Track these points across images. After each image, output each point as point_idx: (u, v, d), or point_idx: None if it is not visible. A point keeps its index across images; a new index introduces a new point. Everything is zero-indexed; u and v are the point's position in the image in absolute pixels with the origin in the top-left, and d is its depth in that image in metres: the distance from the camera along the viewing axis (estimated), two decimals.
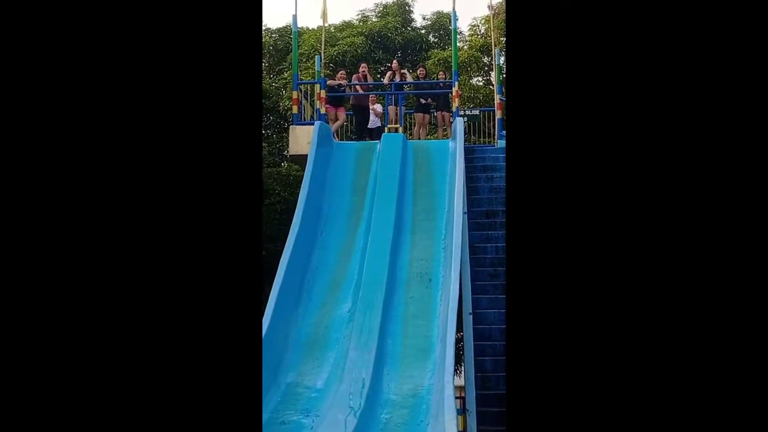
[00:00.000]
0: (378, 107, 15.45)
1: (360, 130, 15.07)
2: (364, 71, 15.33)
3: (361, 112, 15.08)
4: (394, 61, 16.38)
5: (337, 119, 14.77)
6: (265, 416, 8.45)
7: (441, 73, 16.34)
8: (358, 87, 15.15)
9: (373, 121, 15.18)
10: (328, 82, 14.74)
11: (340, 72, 15.57)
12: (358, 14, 26.53)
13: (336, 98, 14.82)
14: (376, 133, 14.82)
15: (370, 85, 15.19)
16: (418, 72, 16.26)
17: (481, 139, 16.64)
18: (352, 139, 15.39)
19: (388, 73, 15.87)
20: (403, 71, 15.87)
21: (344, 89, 15.01)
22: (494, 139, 14.64)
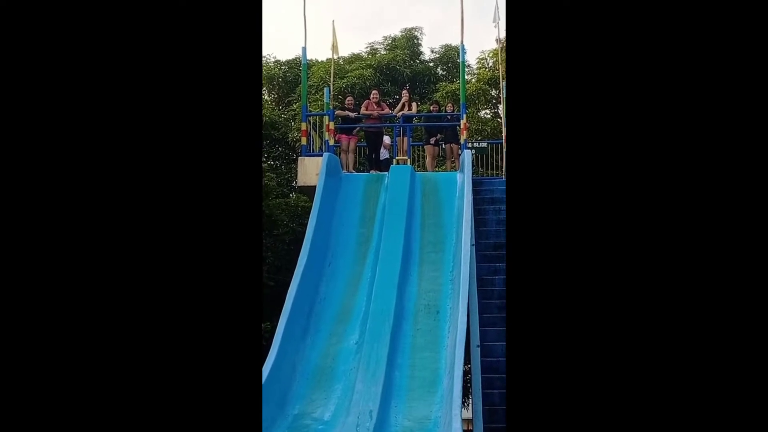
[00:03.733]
0: (387, 139, 15.51)
1: (372, 158, 15.09)
2: (375, 97, 15.36)
3: (373, 140, 15.08)
4: (405, 92, 16.42)
5: (348, 148, 14.81)
6: None
7: (449, 105, 16.41)
8: (370, 111, 15.05)
9: (382, 153, 15.23)
10: (336, 112, 14.81)
11: (348, 98, 15.64)
12: (367, 47, 26.75)
13: (347, 127, 14.88)
14: (384, 165, 14.86)
15: (381, 116, 15.22)
16: (431, 107, 16.31)
17: (489, 172, 16.68)
18: (360, 170, 15.43)
19: (399, 105, 15.94)
20: (411, 101, 15.92)
21: (355, 117, 15.04)
22: (502, 171, 14.67)
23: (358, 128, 15.08)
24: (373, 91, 15.86)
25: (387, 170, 13.80)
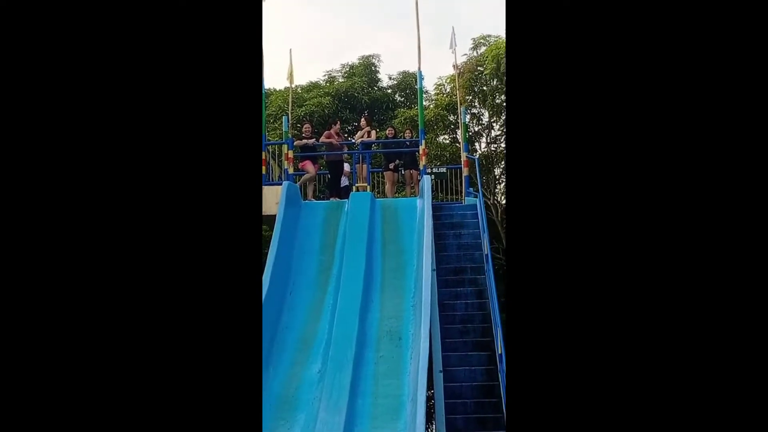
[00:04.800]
0: (346, 166, 15.53)
1: (332, 186, 15.11)
2: (336, 129, 15.44)
3: (334, 167, 15.11)
4: (363, 119, 16.50)
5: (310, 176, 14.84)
6: None
7: (407, 131, 16.50)
8: (331, 142, 15.13)
9: (342, 180, 15.24)
10: (295, 143, 14.82)
11: (306, 126, 15.66)
12: (324, 75, 26.83)
13: (310, 155, 14.90)
14: (344, 192, 14.87)
15: (341, 144, 15.27)
16: (387, 132, 16.40)
17: (449, 197, 16.76)
18: (320, 198, 15.42)
19: (359, 132, 15.99)
20: (370, 129, 16.00)
21: (314, 146, 15.07)
22: (462, 196, 14.75)
23: (320, 156, 15.09)
24: (337, 122, 15.94)
25: (347, 197, 13.81)
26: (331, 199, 14.61)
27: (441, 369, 10.42)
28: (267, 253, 11.92)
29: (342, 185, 15.21)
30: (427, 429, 10.16)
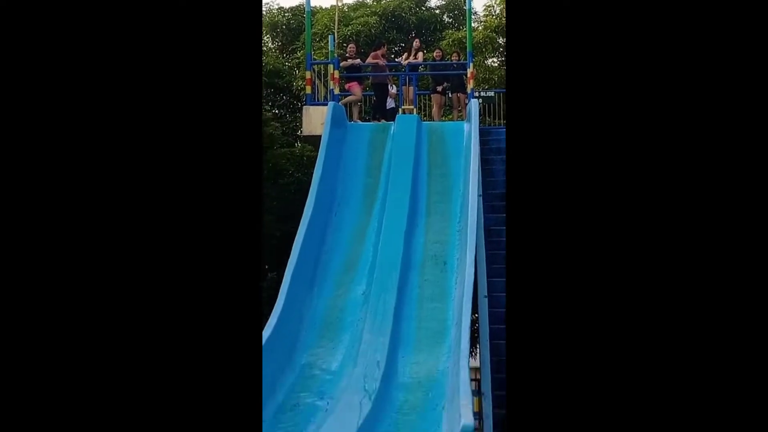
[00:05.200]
0: (392, 89, 15.34)
1: (378, 108, 14.97)
2: (383, 51, 15.24)
3: (380, 90, 14.95)
4: (417, 40, 16.22)
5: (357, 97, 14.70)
6: (279, 398, 8.44)
7: (455, 54, 16.22)
8: (377, 63, 14.93)
9: (388, 102, 15.07)
10: (342, 64, 14.65)
11: (350, 46, 15.44)
12: None
13: (356, 76, 14.73)
14: (390, 114, 14.72)
15: (387, 65, 15.08)
16: (434, 54, 16.15)
17: (496, 121, 16.54)
18: (366, 120, 15.30)
19: (406, 54, 15.77)
20: (418, 50, 15.76)
21: (359, 67, 14.88)
22: None
23: (366, 77, 14.91)
24: (384, 44, 15.74)
25: (393, 120, 13.67)
26: (377, 121, 14.48)
27: (486, 294, 10.41)
28: (313, 174, 11.90)
29: (388, 107, 15.04)
30: (471, 353, 10.18)
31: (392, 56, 21.83)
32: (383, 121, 14.32)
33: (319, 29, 22.21)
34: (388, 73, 15.27)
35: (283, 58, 23.16)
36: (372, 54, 15.08)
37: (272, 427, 7.93)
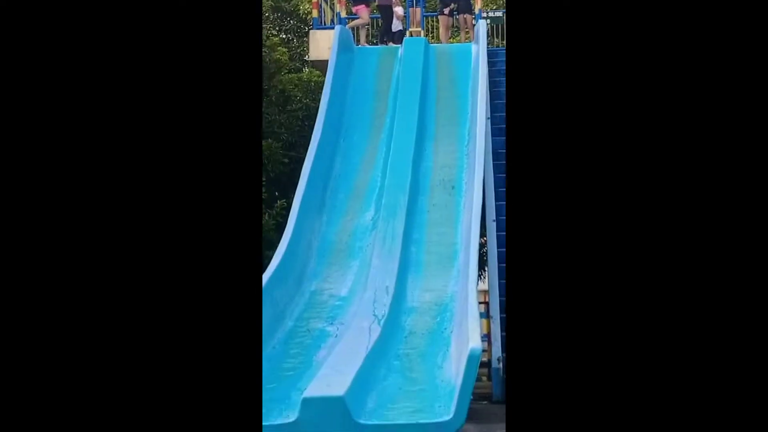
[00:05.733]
0: (399, 10, 15.11)
1: (384, 32, 14.78)
2: None
3: (386, 13, 14.74)
4: None
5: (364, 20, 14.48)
6: (290, 324, 8.54)
7: None
8: None
9: (395, 25, 14.86)
10: None
11: None
12: None
13: None
14: (397, 37, 14.54)
15: None
16: None
17: (504, 42, 16.33)
18: (373, 43, 15.13)
19: None
20: None
21: None
22: None
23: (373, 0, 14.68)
24: None
25: (400, 43, 13.51)
26: (386, 44, 14.31)
27: (494, 218, 10.42)
28: (320, 100, 11.83)
29: (395, 30, 14.84)
30: (479, 276, 10.24)
31: None
32: (390, 44, 14.16)
33: None
34: None
35: None
36: None
37: (282, 353, 8.05)
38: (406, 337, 8.29)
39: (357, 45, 13.67)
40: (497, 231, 10.32)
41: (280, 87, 16.97)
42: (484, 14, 13.88)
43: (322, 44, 13.47)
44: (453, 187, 10.51)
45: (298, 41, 20.89)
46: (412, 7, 15.16)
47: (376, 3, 14.79)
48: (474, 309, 7.52)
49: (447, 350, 7.87)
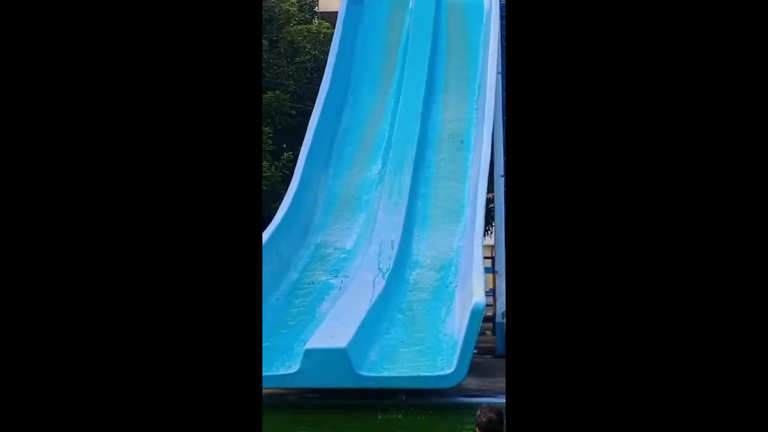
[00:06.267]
0: None
1: None
2: None
3: None
4: None
5: None
6: (294, 276, 8.52)
7: None
8: None
9: None
10: None
11: None
12: None
13: None
14: None
15: None
16: None
17: None
18: None
19: None
20: None
21: None
22: None
23: None
24: None
25: None
26: None
27: (502, 173, 10.33)
28: (329, 52, 11.72)
29: None
30: (486, 232, 10.17)
31: None
32: None
33: None
34: None
35: None
36: None
37: (287, 304, 8.04)
38: (410, 291, 8.27)
39: None
40: (505, 186, 10.24)
41: (289, 38, 16.82)
42: None
43: None
44: (461, 142, 10.42)
45: None
46: None
47: None
48: (479, 264, 7.47)
49: (451, 305, 7.85)
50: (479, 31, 12.11)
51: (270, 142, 14.79)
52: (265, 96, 15.94)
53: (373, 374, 6.56)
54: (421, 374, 6.56)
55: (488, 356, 10.13)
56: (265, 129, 14.93)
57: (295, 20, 17.48)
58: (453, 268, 8.50)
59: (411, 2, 12.77)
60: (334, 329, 6.92)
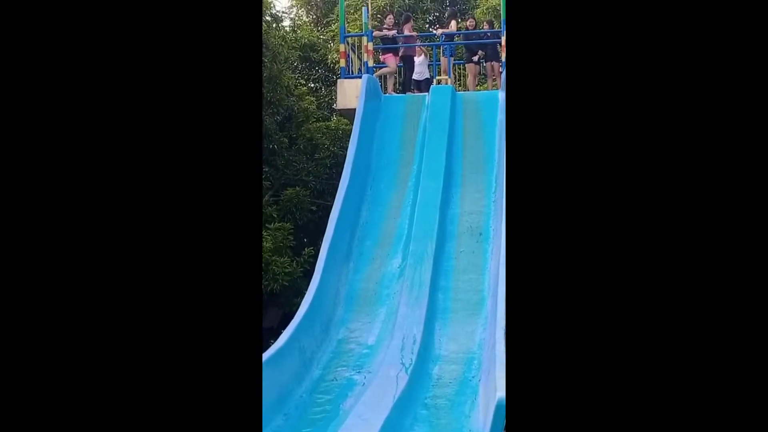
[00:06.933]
0: (419, 59, 15.13)
1: (407, 82, 14.90)
2: (411, 24, 15.20)
3: (408, 63, 14.89)
4: (453, 20, 16.09)
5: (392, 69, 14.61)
6: (317, 373, 8.50)
7: (486, 23, 16.02)
8: (405, 35, 14.87)
9: (421, 73, 14.96)
10: (374, 33, 14.57)
11: (388, 17, 15.36)
12: None
13: (391, 47, 14.65)
14: (424, 86, 14.64)
15: (422, 36, 14.99)
16: (468, 23, 16.01)
17: None
18: (400, 92, 15.24)
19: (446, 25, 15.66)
20: (453, 19, 15.65)
21: (394, 38, 14.77)
22: None
23: (400, 48, 14.81)
24: (410, 19, 15.63)
25: (427, 91, 13.60)
26: (410, 92, 14.40)
27: None
28: (348, 148, 11.89)
29: (421, 78, 14.92)
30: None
31: (427, 26, 21.65)
32: (416, 92, 14.26)
33: (353, 1, 22.10)
34: (418, 43, 15.18)
35: (318, 31, 23.09)
36: (405, 26, 15.00)
37: (310, 402, 8.01)
38: (433, 385, 8.22)
39: (384, 93, 13.76)
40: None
41: (308, 135, 17.12)
42: None
43: (350, 93, 13.58)
44: (480, 234, 10.50)
45: (326, 90, 21.11)
46: (441, 56, 15.28)
47: (401, 53, 14.94)
48: (501, 357, 7.43)
49: (475, 399, 7.80)
50: (494, 124, 12.30)
51: (291, 237, 14.92)
52: (285, 192, 16.13)
53: None
54: None
55: None
56: (286, 225, 15.09)
57: (314, 118, 17.79)
58: (476, 362, 8.46)
59: (427, 98, 13.02)
60: (358, 427, 6.89)
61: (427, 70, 15.16)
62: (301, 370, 8.31)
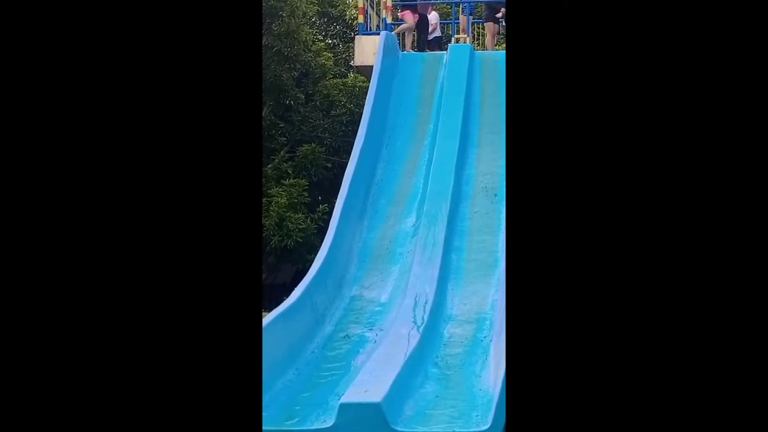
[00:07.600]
0: (433, 17, 14.96)
1: (420, 41, 14.77)
2: None
3: (422, 21, 14.74)
4: None
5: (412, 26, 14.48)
6: (329, 329, 8.54)
7: None
8: None
9: (430, 32, 14.80)
10: None
11: None
12: None
13: (410, 4, 14.51)
14: (434, 44, 14.49)
15: None
16: None
17: None
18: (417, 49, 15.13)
19: None
20: None
21: None
22: None
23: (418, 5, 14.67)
24: None
25: (437, 49, 13.48)
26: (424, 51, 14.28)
27: None
28: (364, 105, 11.85)
29: (431, 37, 14.75)
30: None
31: None
32: (428, 51, 14.14)
33: None
34: (432, 0, 15.01)
35: None
36: None
37: (321, 358, 8.05)
38: (444, 344, 8.25)
39: (402, 51, 13.66)
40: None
41: (325, 92, 17.05)
42: None
43: (368, 50, 13.48)
44: (495, 195, 10.46)
45: (343, 46, 20.99)
46: (460, 14, 15.13)
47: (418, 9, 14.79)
48: None
49: (486, 359, 7.82)
50: None
51: (306, 194, 14.94)
52: (300, 149, 16.10)
53: (408, 430, 6.53)
54: (456, 430, 6.52)
55: None
56: (301, 181, 15.08)
57: (331, 74, 17.69)
58: (488, 322, 8.48)
59: (445, 56, 12.92)
60: (369, 383, 6.91)
61: (438, 29, 15.00)
62: (313, 326, 8.34)
